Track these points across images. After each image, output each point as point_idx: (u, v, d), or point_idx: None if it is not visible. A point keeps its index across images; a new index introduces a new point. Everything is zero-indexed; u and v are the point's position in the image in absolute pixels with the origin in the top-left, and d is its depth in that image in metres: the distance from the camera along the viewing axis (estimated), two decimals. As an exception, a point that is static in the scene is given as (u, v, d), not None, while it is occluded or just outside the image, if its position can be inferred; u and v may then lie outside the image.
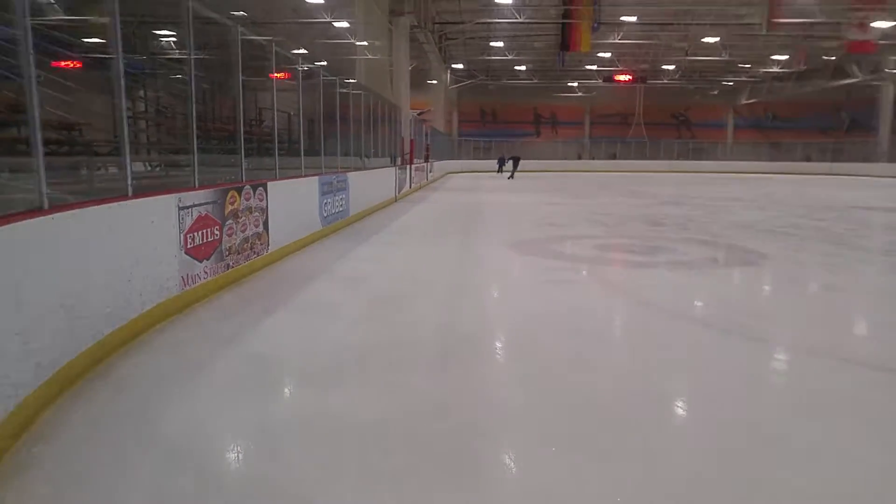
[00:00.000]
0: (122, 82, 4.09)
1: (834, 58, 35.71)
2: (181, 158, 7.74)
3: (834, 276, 6.94)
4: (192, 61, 5.14)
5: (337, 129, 10.65)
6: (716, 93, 47.56)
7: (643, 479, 2.49)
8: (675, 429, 3.07)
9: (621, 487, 2.43)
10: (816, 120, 46.02)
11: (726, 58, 37.25)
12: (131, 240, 4.09)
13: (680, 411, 3.28)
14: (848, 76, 36.22)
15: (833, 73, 37.02)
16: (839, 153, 42.61)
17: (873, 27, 25.27)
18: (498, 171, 37.19)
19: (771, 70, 40.36)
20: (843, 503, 2.36)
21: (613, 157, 46.43)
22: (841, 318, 5.30)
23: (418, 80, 35.42)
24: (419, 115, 31.26)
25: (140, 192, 4.33)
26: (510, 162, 32.87)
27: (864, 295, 6.20)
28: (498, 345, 4.43)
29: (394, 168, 16.80)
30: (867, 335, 4.99)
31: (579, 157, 46.23)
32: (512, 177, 31.30)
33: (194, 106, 5.29)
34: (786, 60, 37.66)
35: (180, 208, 4.81)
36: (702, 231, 10.65)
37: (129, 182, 4.18)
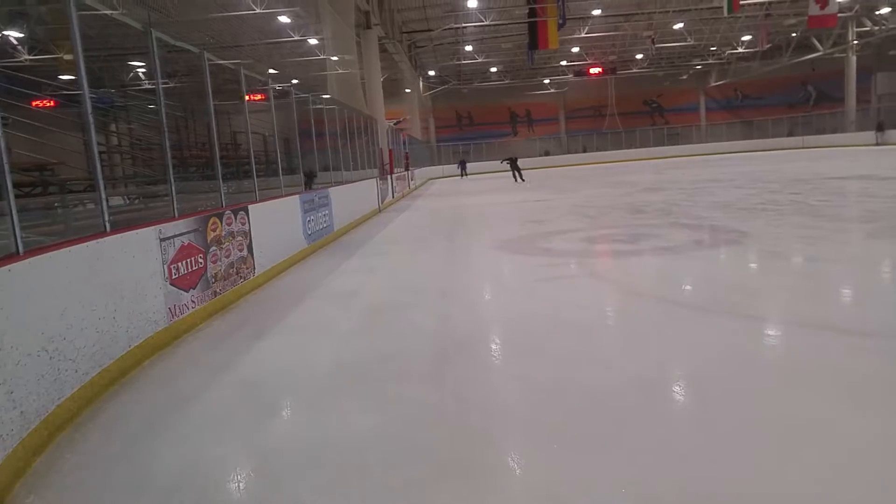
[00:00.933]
0: (91, 118, 4.04)
1: (795, 34, 36.28)
2: (159, 189, 7.67)
3: (813, 247, 7.01)
4: (161, 90, 5.10)
5: (314, 146, 10.61)
6: (685, 77, 48.09)
7: (645, 466, 2.48)
8: (675, 413, 3.06)
9: (624, 477, 2.41)
10: (784, 96, 46.75)
11: (692, 42, 37.71)
12: (113, 276, 4.03)
13: (678, 396, 3.27)
14: (811, 50, 36.76)
15: (796, 48, 37.59)
16: (808, 126, 43.23)
17: (832, 1, 25.62)
18: (461, 176, 36.56)
19: (736, 51, 40.90)
20: (836, 472, 2.36)
21: (584, 150, 46.55)
22: (824, 289, 5.35)
23: (392, 90, 35.49)
24: (396, 124, 31.28)
25: (119, 228, 4.27)
26: (506, 163, 26.12)
27: (843, 264, 6.26)
28: (493, 347, 4.41)
29: (375, 179, 16.77)
30: (850, 303, 5.03)
31: (547, 154, 46.29)
32: (522, 179, 25.07)
33: (167, 135, 5.25)
34: (750, 40, 38.18)
35: (161, 239, 4.75)
36: (683, 214, 10.71)
37: (107, 218, 4.13)
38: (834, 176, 16.57)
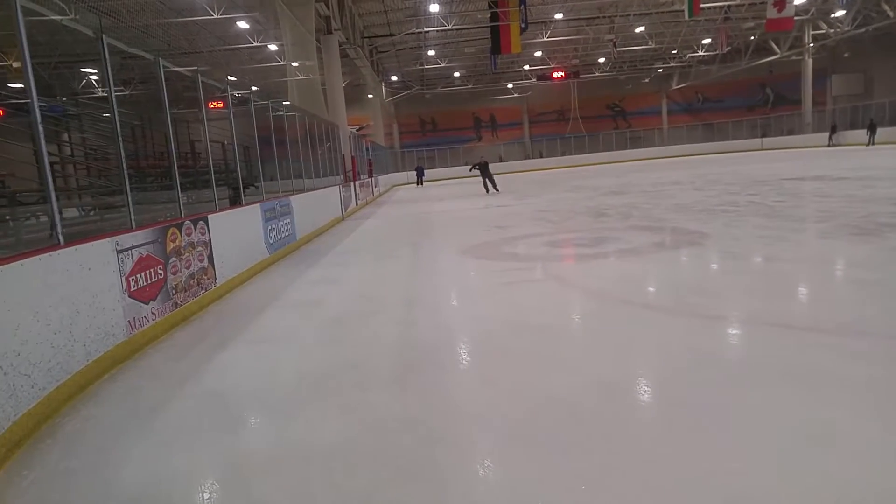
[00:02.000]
0: (41, 127, 3.95)
1: (754, 37, 37.40)
2: (116, 200, 7.51)
3: (771, 247, 7.23)
4: (114, 98, 5.01)
5: (275, 154, 10.52)
6: (647, 81, 49.10)
7: (607, 465, 2.55)
8: (638, 414, 3.14)
9: (586, 475, 2.47)
10: (743, 98, 48.10)
11: (654, 46, 38.54)
12: (68, 289, 3.94)
13: (643, 396, 3.36)
14: (769, 53, 37.92)
15: (755, 51, 38.74)
16: (767, 128, 44.58)
17: (789, 4, 26.47)
18: (417, 184, 36.15)
19: (697, 54, 41.94)
20: (791, 462, 2.46)
21: (541, 155, 46.99)
22: (781, 287, 5.52)
23: (354, 96, 35.39)
24: (358, 130, 31.17)
25: (73, 240, 4.18)
26: (475, 170, 21.25)
27: (800, 263, 6.48)
28: (457, 353, 4.45)
29: (338, 187, 16.69)
30: (807, 301, 5.22)
31: (500, 159, 46.50)
32: (496, 189, 21.07)
33: (122, 144, 5.16)
34: (710, 43, 39.20)
35: (119, 251, 4.67)
36: (644, 217, 10.94)
37: (59, 230, 4.04)
38: (791, 177, 17.11)
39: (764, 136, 41.98)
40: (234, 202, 8.66)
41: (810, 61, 40.24)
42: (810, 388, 3.16)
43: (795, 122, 42.69)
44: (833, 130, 36.50)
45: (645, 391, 3.40)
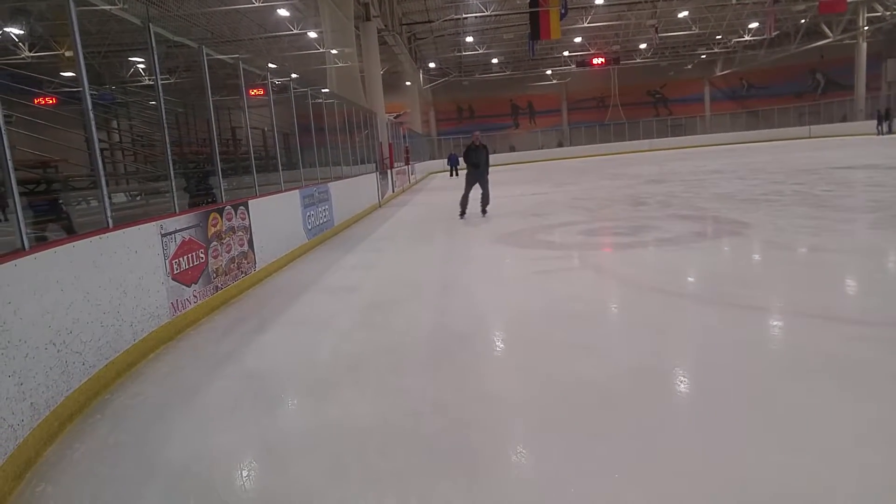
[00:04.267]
0: (92, 115, 4.09)
1: (804, 20, 36.02)
2: (161, 185, 7.73)
3: (816, 238, 7.03)
4: (160, 86, 5.14)
5: (314, 141, 10.65)
6: (690, 67, 47.86)
7: (640, 452, 2.54)
8: (674, 403, 3.12)
9: (619, 463, 2.48)
10: (791, 84, 46.45)
11: (697, 31, 37.52)
12: (116, 271, 4.10)
13: (679, 385, 3.33)
14: (821, 37, 36.48)
15: (805, 35, 37.32)
16: (816, 115, 42.96)
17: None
18: (451, 174, 31.43)
19: (743, 39, 40.66)
20: (831, 458, 2.42)
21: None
22: (825, 279, 5.37)
23: (392, 83, 35.47)
24: (396, 118, 31.29)
25: (121, 223, 4.34)
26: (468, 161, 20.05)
27: (846, 254, 6.28)
28: (491, 339, 4.47)
29: (375, 174, 16.81)
30: (853, 293, 5.07)
31: (542, 147, 45.94)
32: (484, 210, 19.49)
33: (167, 131, 5.30)
34: (757, 28, 37.94)
35: (163, 235, 4.82)
36: (684, 206, 10.74)
37: (109, 214, 4.19)
38: (840, 165, 16.53)
39: (881, 119, 39.40)
40: (197, 196, 7.37)
41: (864, 45, 38.54)
42: (854, 382, 3.09)
43: (847, 108, 41.03)
44: (886, 117, 34.90)
45: (681, 380, 3.37)
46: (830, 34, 35.67)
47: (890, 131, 34.29)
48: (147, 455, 2.95)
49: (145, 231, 4.60)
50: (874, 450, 2.46)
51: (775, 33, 34.93)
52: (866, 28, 35.83)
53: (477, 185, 11.44)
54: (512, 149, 44.97)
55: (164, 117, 5.25)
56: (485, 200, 11.66)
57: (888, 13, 33.18)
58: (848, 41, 37.60)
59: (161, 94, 5.19)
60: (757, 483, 2.28)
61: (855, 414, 2.76)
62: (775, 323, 4.31)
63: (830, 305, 4.51)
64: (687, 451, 2.56)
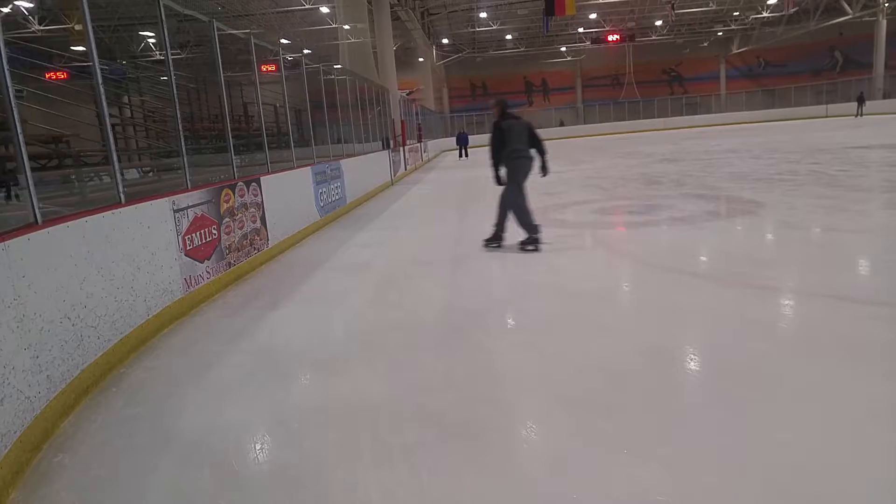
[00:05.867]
0: (102, 90, 4.08)
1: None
2: (173, 161, 7.74)
3: (830, 217, 6.93)
4: (171, 61, 5.11)
5: (325, 118, 10.61)
6: (706, 45, 47.02)
7: (650, 430, 2.54)
8: (682, 380, 3.11)
9: (628, 440, 2.47)
10: (809, 62, 45.53)
11: (714, 7, 36.76)
12: (129, 247, 4.12)
13: (690, 364, 3.31)
14: (840, 14, 35.64)
15: (824, 12, 36.46)
16: (834, 94, 42.10)
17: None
18: (459, 155, 28.29)
19: (760, 16, 39.81)
20: (838, 435, 2.40)
21: (562, 124, 45.14)
22: (839, 259, 5.31)
23: (405, 60, 35.17)
24: (408, 94, 31.04)
25: (133, 199, 4.35)
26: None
27: (860, 234, 6.18)
28: (502, 317, 4.46)
29: (387, 151, 16.74)
30: (865, 273, 5.00)
31: (562, 124, 45.31)
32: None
33: (178, 107, 5.28)
34: (775, 4, 37.11)
35: (175, 211, 4.83)
36: (698, 185, 10.62)
37: (121, 189, 4.20)
38: (856, 145, 16.25)
39: (861, 100, 38.61)
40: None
41: (884, 22, 37.58)
42: (867, 361, 3.06)
43: (866, 87, 40.16)
44: (860, 101, 34.28)
45: (692, 359, 3.35)
46: (850, 11, 34.80)
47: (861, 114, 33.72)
48: (162, 426, 2.98)
49: (157, 206, 4.61)
50: (885, 428, 2.44)
51: (794, 9, 34.15)
52: (886, 4, 34.91)
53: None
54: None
55: (175, 93, 5.22)
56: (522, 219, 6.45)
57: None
58: (868, 18, 36.67)
59: (171, 69, 5.16)
60: (765, 460, 2.27)
61: (869, 393, 2.73)
62: (787, 302, 4.27)
63: (843, 285, 4.45)
64: (697, 429, 2.55)
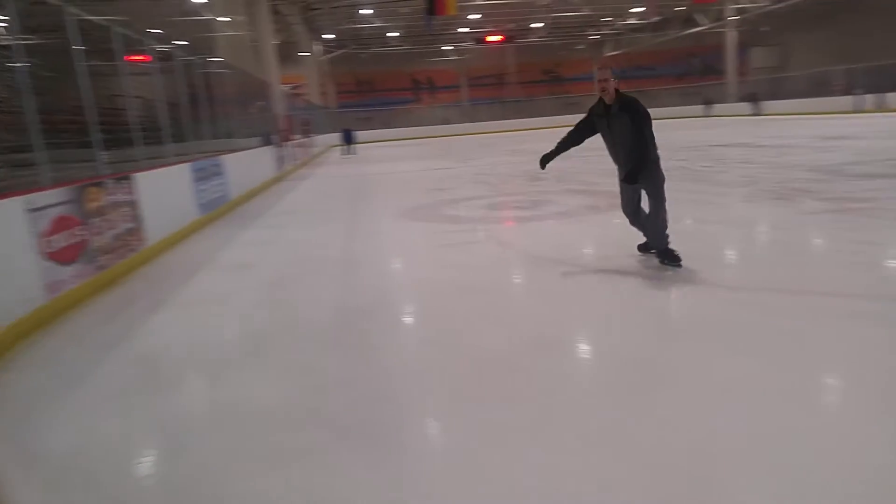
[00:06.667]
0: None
1: (683, 8, 38.34)
2: (28, 157, 7.01)
3: (698, 210, 7.54)
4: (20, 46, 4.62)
5: (204, 112, 10.06)
6: (582, 47, 49.55)
7: (544, 417, 2.63)
8: (575, 369, 3.25)
9: (524, 427, 2.55)
10: (674, 67, 49.30)
11: (587, 13, 38.82)
12: (-22, 251, 3.68)
13: (579, 352, 3.47)
14: (696, 25, 39.08)
15: (684, 22, 39.78)
16: (696, 96, 45.85)
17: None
18: (344, 151, 27.27)
19: (628, 22, 42.59)
20: (705, 412, 2.62)
21: (446, 122, 45.69)
22: (706, 248, 5.77)
23: (288, 54, 34.04)
24: (293, 89, 30.15)
25: (-21, 199, 3.89)
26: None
27: (724, 225, 6.77)
28: (397, 313, 4.45)
29: (272, 146, 16.18)
30: (732, 262, 5.49)
31: (446, 122, 45.81)
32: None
33: (32, 97, 4.79)
34: (641, 12, 39.85)
35: (30, 210, 4.38)
36: (578, 182, 11.16)
37: (-34, 187, 3.74)
38: (718, 143, 17.78)
39: (707, 103, 41.97)
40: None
41: (733, 34, 41.58)
42: (736, 341, 3.34)
43: (719, 91, 44.18)
44: (751, 99, 37.99)
45: (581, 347, 3.52)
46: (705, 21, 38.34)
47: (758, 113, 37.27)
48: (25, 446, 2.70)
49: (8, 207, 4.17)
50: (741, 402, 2.68)
51: (656, 18, 36.99)
52: (731, 18, 38.78)
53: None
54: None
55: (25, 81, 4.72)
56: (653, 227, 5.28)
57: (752, 5, 36.10)
58: (719, 30, 40.47)
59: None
60: (644, 439, 2.43)
61: (739, 370, 2.99)
62: (662, 291, 4.57)
63: (711, 274, 4.82)
64: (584, 412, 2.68)
